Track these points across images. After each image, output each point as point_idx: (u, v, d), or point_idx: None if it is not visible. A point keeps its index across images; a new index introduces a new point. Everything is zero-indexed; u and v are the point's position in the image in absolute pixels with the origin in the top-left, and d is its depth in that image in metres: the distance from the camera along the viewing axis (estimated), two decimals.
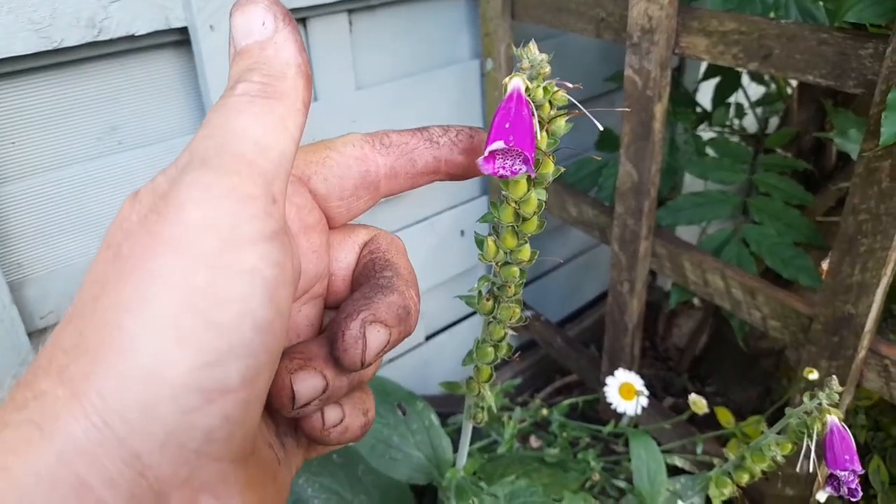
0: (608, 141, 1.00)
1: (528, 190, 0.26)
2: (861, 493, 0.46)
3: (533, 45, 0.23)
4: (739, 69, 0.85)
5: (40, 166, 0.65)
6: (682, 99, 1.01)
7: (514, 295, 0.31)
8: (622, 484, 0.72)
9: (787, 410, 0.50)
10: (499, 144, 0.22)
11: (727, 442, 0.86)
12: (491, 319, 0.33)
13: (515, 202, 0.26)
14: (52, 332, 0.68)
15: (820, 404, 0.47)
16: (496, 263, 0.29)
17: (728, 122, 1.05)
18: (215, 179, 0.18)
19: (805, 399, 0.48)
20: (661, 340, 1.32)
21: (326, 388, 0.22)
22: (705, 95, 1.08)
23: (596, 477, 0.74)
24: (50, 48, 0.58)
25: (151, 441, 0.17)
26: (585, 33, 0.77)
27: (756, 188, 0.91)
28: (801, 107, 0.96)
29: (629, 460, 0.64)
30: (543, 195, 0.26)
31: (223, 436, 0.18)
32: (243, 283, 0.18)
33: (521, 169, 0.23)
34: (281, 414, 0.22)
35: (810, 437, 0.48)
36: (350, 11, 0.80)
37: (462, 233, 1.05)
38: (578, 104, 0.24)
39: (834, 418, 0.47)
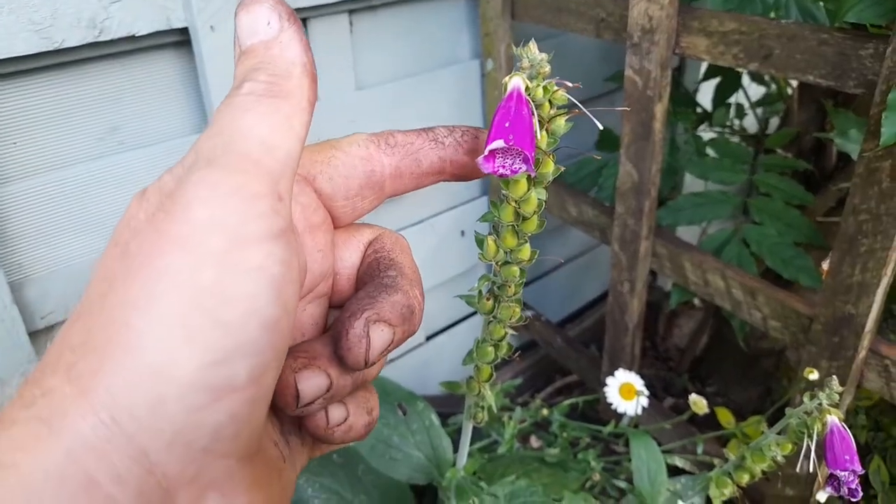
0: (608, 141, 1.01)
1: (529, 189, 0.26)
2: (861, 494, 0.46)
3: (533, 45, 0.23)
4: (740, 69, 0.85)
5: (41, 166, 0.65)
6: (682, 99, 1.01)
7: (515, 294, 0.31)
8: (622, 484, 0.72)
9: (788, 410, 0.50)
10: (499, 143, 0.22)
11: (727, 442, 0.86)
12: (491, 319, 0.33)
13: (515, 201, 0.26)
14: (56, 330, 0.68)
15: (820, 404, 0.47)
16: (496, 263, 0.29)
17: (728, 123, 1.05)
18: (222, 178, 0.18)
19: (805, 399, 0.48)
20: (661, 340, 1.32)
21: (330, 387, 0.22)
22: (706, 96, 1.08)
23: (596, 477, 0.74)
24: (51, 49, 0.58)
25: (159, 438, 0.17)
26: (585, 33, 0.77)
27: (756, 188, 0.91)
28: (802, 107, 0.96)
29: (629, 460, 0.64)
30: (543, 194, 0.26)
31: (230, 433, 0.18)
32: (250, 281, 0.18)
33: (521, 168, 0.23)
34: (285, 413, 0.22)
35: (810, 437, 0.48)
36: (351, 12, 0.81)
37: (462, 233, 1.05)
38: (578, 103, 0.24)
39: (834, 418, 0.47)
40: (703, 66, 1.06)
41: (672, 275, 0.82)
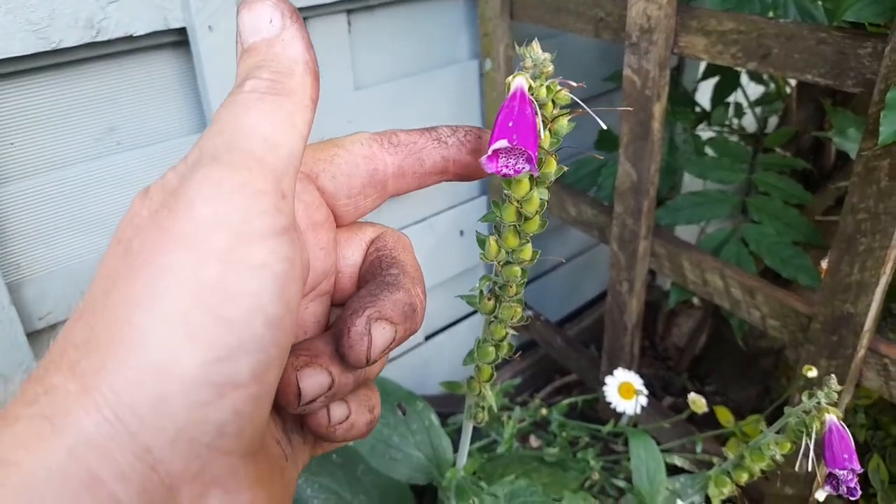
0: (607, 141, 1.01)
1: (531, 189, 0.26)
2: (860, 492, 0.46)
3: (536, 44, 0.23)
4: (738, 69, 0.85)
5: (39, 167, 0.64)
6: (681, 98, 1.01)
7: (516, 294, 0.31)
8: (622, 483, 0.72)
9: (787, 409, 0.50)
10: (502, 143, 0.22)
11: (726, 441, 0.86)
12: (492, 319, 0.33)
13: (518, 201, 0.26)
14: (55, 331, 0.68)
15: (819, 403, 0.48)
16: (498, 263, 0.29)
17: (727, 122, 1.05)
18: (226, 175, 0.18)
19: (804, 398, 0.48)
20: (660, 340, 1.32)
21: (332, 385, 0.22)
22: (704, 95, 1.08)
23: (595, 476, 0.74)
24: (48, 49, 0.58)
25: (163, 435, 0.17)
26: (584, 33, 0.77)
27: (755, 187, 0.91)
28: (800, 106, 0.96)
29: (629, 459, 0.64)
30: (546, 194, 0.26)
31: (233, 430, 0.18)
32: (254, 278, 0.18)
33: (524, 168, 0.23)
34: (287, 411, 0.23)
35: (809, 436, 0.48)
36: (349, 12, 0.80)
37: (461, 233, 1.05)
38: (581, 103, 0.24)
39: (833, 417, 0.47)
40: (702, 66, 1.06)
41: (671, 274, 0.82)
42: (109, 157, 0.68)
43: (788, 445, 0.51)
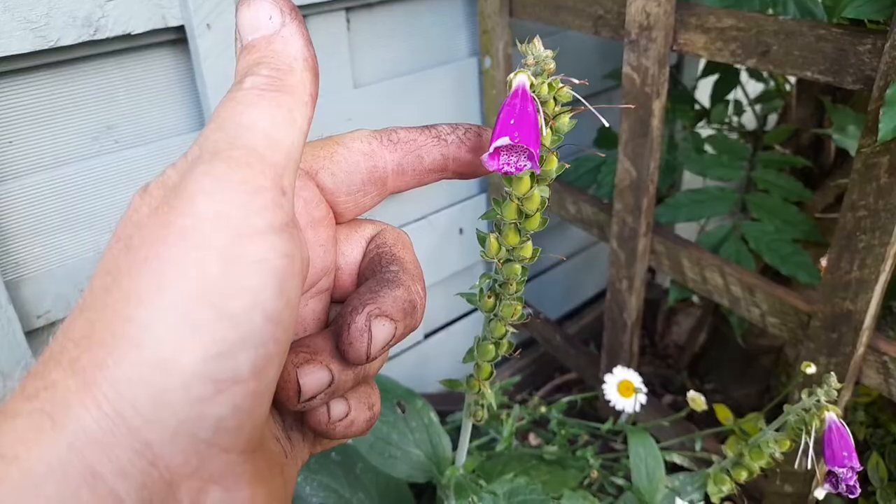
0: (607, 138, 1.00)
1: (532, 186, 0.26)
2: (859, 490, 0.46)
3: (537, 42, 0.23)
4: (737, 66, 0.85)
5: (37, 165, 0.64)
6: (680, 96, 1.01)
7: (516, 292, 0.31)
8: (621, 481, 0.72)
9: (786, 407, 0.50)
10: (504, 141, 0.22)
11: (726, 439, 0.86)
12: (492, 317, 0.33)
13: (518, 199, 0.26)
14: (53, 329, 0.68)
15: (818, 401, 0.48)
16: (498, 260, 0.29)
17: (727, 119, 1.05)
18: (226, 171, 0.18)
19: (803, 396, 0.48)
20: (660, 338, 1.32)
21: (332, 382, 0.22)
22: (704, 92, 1.08)
23: (595, 474, 0.74)
24: (46, 47, 0.58)
25: (163, 430, 0.17)
26: (583, 30, 0.77)
27: (755, 185, 0.91)
28: (800, 104, 0.96)
29: (628, 457, 0.64)
30: (547, 192, 0.26)
31: (233, 426, 0.18)
32: (254, 273, 0.18)
33: (525, 165, 0.23)
34: (287, 408, 0.23)
35: (809, 434, 0.48)
36: (348, 9, 0.80)
37: (461, 231, 1.05)
38: (584, 100, 0.24)
39: (832, 415, 0.47)
40: (702, 63, 1.06)
41: (670, 272, 0.82)
42: (107, 156, 0.68)
43: (788, 443, 0.51)
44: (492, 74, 0.92)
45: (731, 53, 0.64)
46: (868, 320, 0.61)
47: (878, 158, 0.54)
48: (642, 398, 0.77)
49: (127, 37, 0.63)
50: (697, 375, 1.23)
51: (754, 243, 0.85)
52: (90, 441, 0.16)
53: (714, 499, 0.57)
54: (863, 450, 0.86)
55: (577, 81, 0.24)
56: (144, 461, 0.17)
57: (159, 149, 0.70)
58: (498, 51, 0.89)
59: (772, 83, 1.08)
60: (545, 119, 0.24)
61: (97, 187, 0.68)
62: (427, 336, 1.11)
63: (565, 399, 0.87)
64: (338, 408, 0.24)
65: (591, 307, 1.35)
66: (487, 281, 0.32)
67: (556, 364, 1.22)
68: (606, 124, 0.24)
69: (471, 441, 0.78)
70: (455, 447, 0.57)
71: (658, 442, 0.66)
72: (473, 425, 0.46)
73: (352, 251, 0.26)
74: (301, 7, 0.74)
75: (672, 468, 0.67)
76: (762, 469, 0.54)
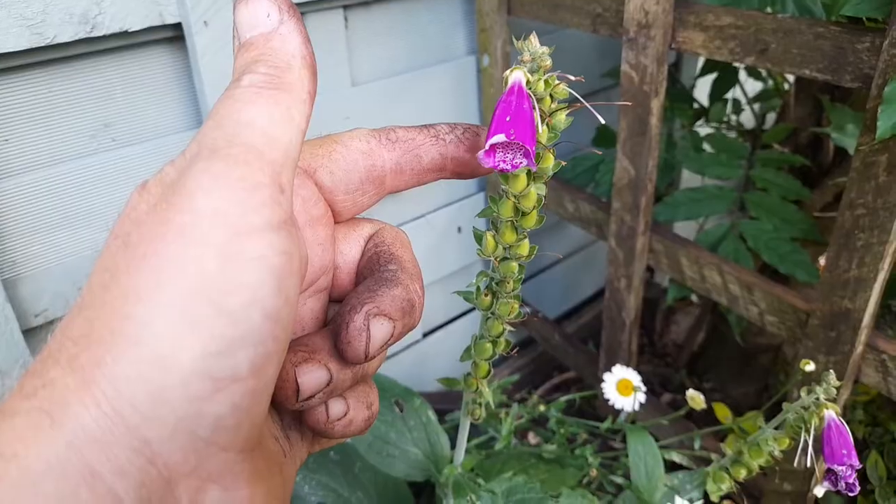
0: (605, 137, 1.00)
1: (528, 184, 0.26)
2: (859, 488, 0.46)
3: (534, 38, 0.23)
4: (736, 64, 0.85)
5: (34, 163, 0.64)
6: (679, 94, 1.01)
7: (513, 290, 0.31)
8: (620, 480, 0.72)
9: (785, 405, 0.50)
10: (500, 138, 0.22)
11: (725, 437, 0.86)
12: (489, 315, 0.33)
13: (515, 197, 0.26)
14: (52, 327, 0.68)
15: (817, 399, 0.47)
16: (495, 259, 0.29)
17: (725, 118, 1.05)
18: (225, 169, 0.18)
19: (802, 394, 0.48)
20: (658, 337, 1.32)
21: (330, 381, 0.22)
22: (702, 91, 1.08)
23: (594, 473, 0.74)
24: (43, 44, 0.58)
25: (161, 428, 0.17)
26: (582, 29, 0.77)
27: (753, 184, 0.91)
28: (799, 102, 0.96)
29: (627, 456, 0.64)
30: (543, 190, 0.26)
31: (232, 424, 0.18)
32: (252, 270, 0.18)
33: (521, 163, 0.23)
34: (285, 407, 0.22)
35: (808, 432, 0.48)
36: (345, 7, 0.80)
37: (459, 229, 1.04)
38: (580, 97, 0.24)
39: (831, 413, 0.47)
40: (700, 62, 1.06)
41: (669, 270, 0.82)
42: (104, 154, 0.68)
43: (787, 441, 0.51)
44: (490, 73, 0.92)
45: (729, 52, 0.63)
46: (867, 319, 0.61)
47: (876, 157, 0.54)
48: (641, 397, 0.77)
49: (124, 34, 0.63)
50: (696, 374, 1.23)
51: (753, 242, 0.85)
52: (89, 439, 0.16)
53: (713, 497, 0.57)
54: (862, 448, 0.86)
55: (573, 78, 0.24)
56: (143, 459, 0.17)
57: (156, 146, 0.70)
58: (496, 49, 0.89)
59: (770, 82, 1.08)
60: (541, 116, 0.24)
61: (95, 185, 0.68)
62: (425, 335, 1.11)
63: (564, 398, 0.87)
64: (336, 407, 0.24)
65: (590, 306, 1.35)
66: (484, 279, 0.31)
67: (555, 363, 1.22)
68: (603, 122, 0.24)
69: (469, 440, 0.78)
70: (453, 446, 0.56)
71: (657, 440, 0.66)
72: (472, 424, 0.46)
73: (350, 250, 0.26)
74: (299, 5, 0.74)
75: (671, 467, 0.67)
76: (761, 467, 0.54)
